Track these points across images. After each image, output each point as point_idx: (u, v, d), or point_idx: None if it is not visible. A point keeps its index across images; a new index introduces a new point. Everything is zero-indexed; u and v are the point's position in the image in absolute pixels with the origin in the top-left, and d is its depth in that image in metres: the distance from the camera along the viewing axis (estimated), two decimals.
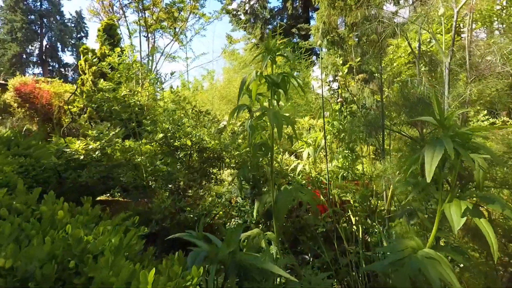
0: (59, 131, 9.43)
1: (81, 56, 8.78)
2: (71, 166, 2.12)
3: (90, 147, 2.11)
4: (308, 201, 1.49)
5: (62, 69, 43.75)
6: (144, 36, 11.04)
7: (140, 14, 10.37)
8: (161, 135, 2.49)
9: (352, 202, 2.08)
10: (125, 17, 10.47)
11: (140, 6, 9.85)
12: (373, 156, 2.61)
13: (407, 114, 1.60)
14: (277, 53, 1.64)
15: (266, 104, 1.80)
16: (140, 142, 2.43)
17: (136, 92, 3.03)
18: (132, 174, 2.41)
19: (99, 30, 8.97)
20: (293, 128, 1.58)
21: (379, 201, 2.25)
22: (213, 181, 2.94)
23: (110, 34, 9.10)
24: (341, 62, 2.60)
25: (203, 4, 11.58)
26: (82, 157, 2.08)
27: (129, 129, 2.70)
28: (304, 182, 2.49)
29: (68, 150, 2.08)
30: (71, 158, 2.08)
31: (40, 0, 42.23)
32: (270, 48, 1.61)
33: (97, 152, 2.15)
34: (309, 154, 2.43)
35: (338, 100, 4.20)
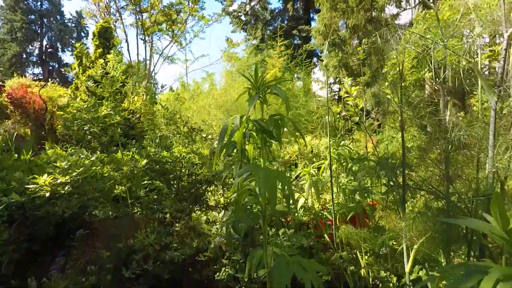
0: (52, 137, 9.15)
1: (76, 59, 8.50)
2: (36, 204, 1.84)
3: (59, 181, 1.82)
4: (312, 280, 1.20)
5: (62, 69, 43.65)
6: (141, 39, 10.76)
7: (138, 17, 10.09)
8: (144, 162, 2.21)
9: (362, 249, 1.79)
10: (121, 19, 10.21)
11: (137, 9, 9.57)
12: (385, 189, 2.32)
13: (439, 168, 1.31)
14: (267, 91, 1.35)
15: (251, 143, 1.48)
16: (121, 171, 2.15)
17: (119, 110, 2.74)
18: (111, 209, 2.13)
19: (93, 34, 8.68)
20: (289, 188, 1.26)
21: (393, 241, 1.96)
22: (204, 208, 2.65)
23: (105, 37, 8.83)
24: (349, 82, 2.31)
25: (203, 6, 11.29)
26: (48, 194, 1.79)
27: (110, 152, 2.42)
28: (305, 218, 2.21)
29: (32, 186, 1.80)
30: (36, 195, 1.79)
31: (41, 0, 42.10)
32: (259, 85, 1.32)
33: (67, 187, 1.87)
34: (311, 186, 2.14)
35: (343, 114, 3.92)
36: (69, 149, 4.95)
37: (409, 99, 1.81)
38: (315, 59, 28.78)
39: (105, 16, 10.18)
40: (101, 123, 2.40)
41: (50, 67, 42.88)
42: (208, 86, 10.79)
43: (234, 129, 1.22)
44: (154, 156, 2.38)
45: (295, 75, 11.19)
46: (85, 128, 2.47)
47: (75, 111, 2.32)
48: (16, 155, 5.10)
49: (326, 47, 19.66)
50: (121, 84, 2.68)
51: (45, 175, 1.81)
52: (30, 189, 1.76)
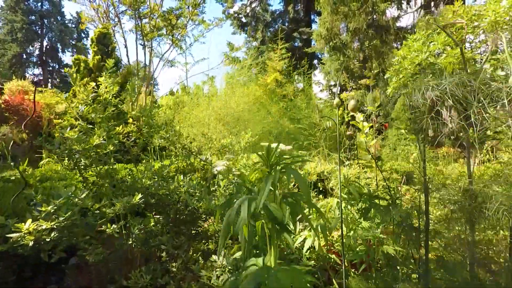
0: (49, 145, 9.00)
1: (73, 66, 8.36)
2: (18, 253, 1.69)
3: (43, 227, 1.66)
4: None
5: (62, 70, 43.64)
6: (140, 44, 10.62)
7: (137, 22, 9.94)
8: (139, 197, 2.06)
9: None
10: (120, 24, 10.05)
11: (136, 14, 9.42)
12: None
13: None
14: (282, 172, 1.15)
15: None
16: (113, 208, 2.00)
17: (114, 134, 2.59)
18: (102, 252, 1.98)
19: (92, 40, 8.54)
20: None
21: None
22: (203, 241, 2.50)
23: (103, 43, 8.69)
24: (361, 118, 2.15)
25: (203, 10, 11.13)
26: (31, 243, 1.63)
27: (102, 184, 2.26)
28: (312, 262, 2.05)
29: (14, 235, 1.64)
30: (18, 244, 1.63)
31: (41, 0, 42.12)
32: (272, 162, 1.15)
33: (53, 233, 1.71)
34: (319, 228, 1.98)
35: (348, 133, 3.78)
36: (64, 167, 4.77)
37: (410, 103, 1.68)
38: (315, 61, 28.71)
39: (104, 21, 10.02)
40: (93, 153, 2.25)
41: (50, 68, 42.88)
42: (208, 89, 10.63)
43: (240, 224, 1.04)
44: (150, 188, 2.23)
45: (296, 76, 11.03)
46: (76, 157, 2.32)
47: (63, 139, 2.18)
48: (12, 163, 4.95)
49: (327, 50, 19.54)
50: (113, 108, 2.53)
51: (29, 221, 1.66)
52: (12, 238, 1.61)
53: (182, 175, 2.70)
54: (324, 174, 3.20)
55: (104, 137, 2.34)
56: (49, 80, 42.56)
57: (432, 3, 18.18)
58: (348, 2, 16.01)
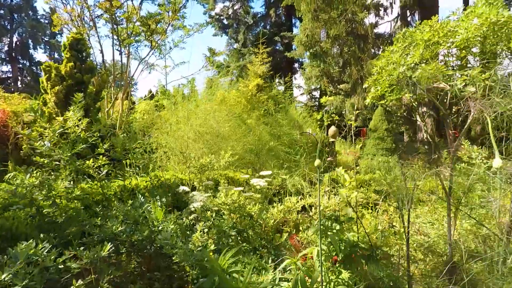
0: (16, 156, 8.46)
1: (43, 74, 7.90)
2: None
3: None
4: None
5: (34, 68, 41.50)
6: (117, 50, 10.22)
7: (113, 26, 9.57)
8: (108, 247, 1.92)
9: None
10: (96, 29, 9.63)
11: (112, 20, 9.05)
12: None
13: None
14: None
15: None
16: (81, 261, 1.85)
17: (84, 168, 2.42)
18: None
19: (64, 45, 8.10)
20: None
21: None
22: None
23: (77, 49, 8.27)
24: (346, 176, 2.10)
25: (184, 15, 10.88)
26: None
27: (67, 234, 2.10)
28: None
29: None
30: None
31: None
32: None
33: None
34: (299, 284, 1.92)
35: (329, 159, 3.77)
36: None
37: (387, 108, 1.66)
38: (296, 65, 29.02)
39: (78, 24, 9.56)
40: (58, 199, 2.08)
41: (20, 65, 40.71)
42: (188, 93, 10.45)
43: None
44: (121, 235, 2.09)
45: (277, 80, 10.97)
46: (37, 203, 2.14)
47: (24, 190, 1.98)
48: None
49: (308, 56, 19.76)
50: (83, 146, 2.36)
51: None
52: None
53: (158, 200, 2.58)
54: (305, 207, 3.18)
55: (72, 177, 2.18)
56: (19, 78, 40.41)
57: (408, 12, 18.88)
58: (328, 10, 16.26)
